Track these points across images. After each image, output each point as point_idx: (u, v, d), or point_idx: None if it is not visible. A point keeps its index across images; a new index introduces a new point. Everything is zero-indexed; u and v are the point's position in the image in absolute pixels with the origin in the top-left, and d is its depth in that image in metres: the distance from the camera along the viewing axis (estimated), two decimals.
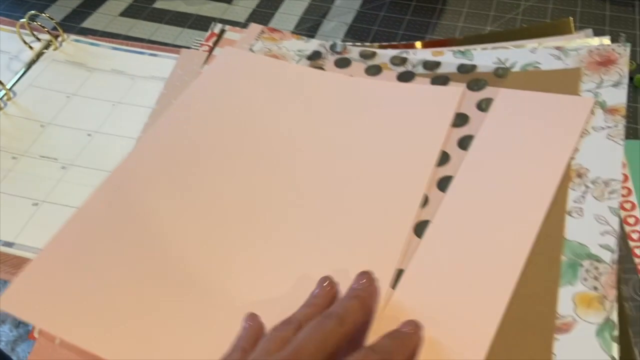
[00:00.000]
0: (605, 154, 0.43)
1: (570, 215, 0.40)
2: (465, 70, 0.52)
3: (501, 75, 0.51)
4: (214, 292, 0.40)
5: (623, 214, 0.41)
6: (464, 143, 0.46)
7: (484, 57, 0.53)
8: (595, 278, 0.37)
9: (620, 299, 0.36)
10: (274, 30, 0.59)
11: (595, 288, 0.36)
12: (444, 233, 0.41)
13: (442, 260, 0.40)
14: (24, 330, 0.41)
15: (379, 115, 0.50)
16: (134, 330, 0.39)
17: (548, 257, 0.38)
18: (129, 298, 0.40)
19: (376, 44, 0.58)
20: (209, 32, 0.61)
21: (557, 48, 0.51)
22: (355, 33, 0.60)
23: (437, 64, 0.53)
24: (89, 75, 0.58)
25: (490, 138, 0.46)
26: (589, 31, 0.53)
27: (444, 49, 0.55)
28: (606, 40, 0.51)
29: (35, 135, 0.53)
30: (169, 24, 0.64)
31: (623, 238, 0.39)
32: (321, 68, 0.55)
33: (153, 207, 0.46)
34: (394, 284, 0.39)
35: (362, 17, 0.62)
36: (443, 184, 0.44)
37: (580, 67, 0.49)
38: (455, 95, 0.50)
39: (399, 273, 0.39)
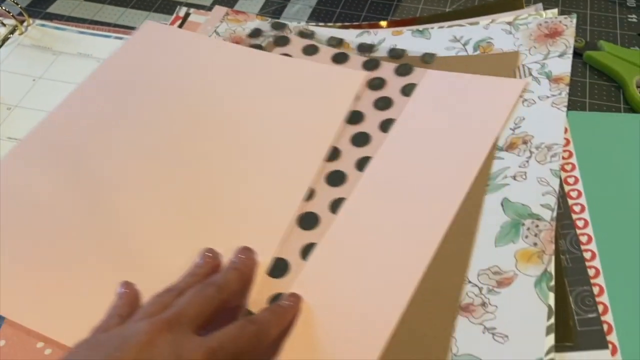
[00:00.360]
0: (549, 121, 0.45)
1: (515, 179, 0.42)
2: (395, 55, 0.54)
3: (427, 61, 0.52)
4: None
5: (563, 174, 0.42)
6: (386, 126, 0.48)
7: (441, 35, 0.55)
8: (536, 235, 0.39)
9: (558, 252, 0.38)
10: (238, 12, 0.61)
11: (535, 244, 0.38)
12: (359, 210, 0.43)
13: (355, 234, 0.41)
14: None
15: (280, 91, 0.52)
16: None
17: (461, 240, 0.40)
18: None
19: (338, 24, 0.60)
20: (174, 15, 0.62)
21: (509, 23, 0.53)
22: (319, 15, 0.62)
23: (371, 47, 0.55)
24: (55, 59, 0.59)
25: (412, 120, 0.48)
26: (539, 5, 0.55)
27: (404, 29, 0.57)
28: (554, 13, 0.53)
29: (2, 118, 0.54)
30: (135, 7, 0.65)
31: (563, 197, 0.41)
32: (259, 46, 0.57)
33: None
34: (306, 255, 0.41)
35: (326, 0, 0.63)
36: (362, 164, 0.46)
37: (517, 52, 0.50)
38: (357, 79, 0.52)
39: (311, 246, 0.41)
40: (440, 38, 0.54)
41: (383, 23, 0.59)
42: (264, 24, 0.59)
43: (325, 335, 0.36)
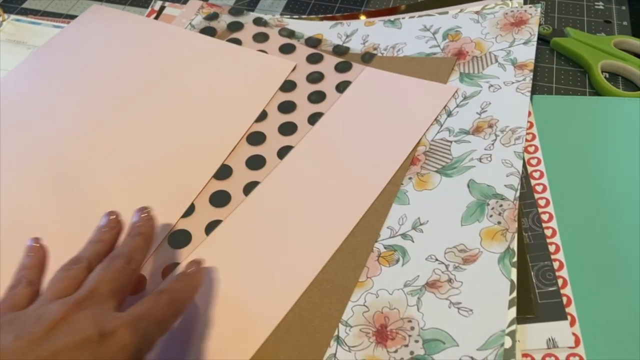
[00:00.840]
0: (513, 105, 0.46)
1: (481, 162, 0.43)
2: (339, 51, 0.55)
3: (367, 60, 0.54)
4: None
5: (527, 156, 0.44)
6: (314, 119, 0.49)
7: (412, 24, 0.56)
8: (500, 214, 0.40)
9: (520, 230, 0.39)
10: (212, 5, 0.61)
11: (499, 222, 0.39)
12: (270, 194, 0.44)
13: (262, 218, 0.43)
14: None
15: (211, 74, 0.54)
16: None
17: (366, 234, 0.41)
18: None
19: (314, 16, 0.61)
20: (149, 9, 0.62)
21: (476, 13, 0.54)
22: (293, 7, 0.62)
23: (318, 42, 0.56)
24: (29, 53, 0.59)
25: (339, 116, 0.49)
26: None
27: (376, 19, 0.58)
28: (519, 2, 0.54)
29: None
30: (110, 2, 0.65)
31: (526, 177, 0.43)
32: (213, 29, 0.58)
33: None
34: (209, 231, 0.42)
35: None
36: (283, 152, 0.47)
37: (454, 58, 0.51)
38: (286, 68, 0.54)
39: (217, 223, 0.43)
40: (410, 28, 0.55)
41: (361, 15, 0.60)
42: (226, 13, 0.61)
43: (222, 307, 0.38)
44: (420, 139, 0.46)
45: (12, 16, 0.63)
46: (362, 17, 0.59)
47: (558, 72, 0.52)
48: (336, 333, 0.36)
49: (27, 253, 0.35)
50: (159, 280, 0.40)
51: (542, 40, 0.54)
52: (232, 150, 0.47)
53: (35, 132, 0.50)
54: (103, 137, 0.49)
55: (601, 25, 0.56)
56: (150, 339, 0.31)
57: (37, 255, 0.34)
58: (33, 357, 0.26)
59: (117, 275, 0.32)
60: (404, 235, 0.40)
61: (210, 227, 0.43)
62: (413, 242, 0.40)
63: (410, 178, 0.44)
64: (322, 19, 0.60)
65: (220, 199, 0.44)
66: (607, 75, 0.51)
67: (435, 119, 0.47)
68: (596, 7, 0.58)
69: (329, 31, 0.57)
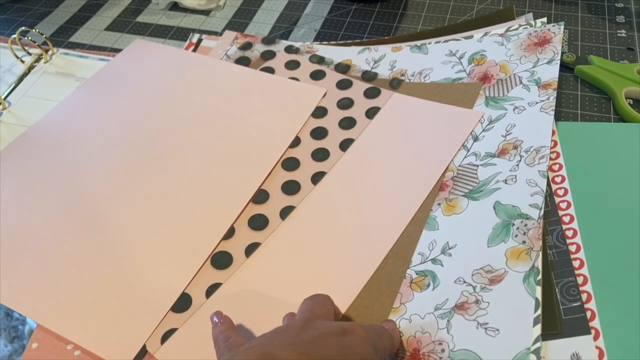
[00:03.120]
0: (537, 125, 0.47)
1: (506, 183, 0.44)
2: (367, 77, 0.57)
3: (395, 86, 0.56)
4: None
5: (551, 174, 0.45)
6: (345, 145, 0.51)
7: (438, 50, 0.58)
8: (524, 233, 0.41)
9: (545, 248, 0.41)
10: (246, 35, 0.64)
11: (524, 242, 0.41)
12: (307, 219, 0.47)
13: (300, 241, 0.45)
14: (18, 345, 0.43)
15: (245, 102, 0.57)
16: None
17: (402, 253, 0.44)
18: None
19: (342, 42, 0.63)
20: (188, 41, 0.66)
21: (501, 35, 0.56)
22: (323, 38, 0.65)
23: (347, 67, 0.59)
24: (78, 85, 0.63)
25: (369, 142, 0.51)
26: (529, 15, 0.58)
27: (403, 45, 0.60)
28: (543, 22, 0.55)
29: None
30: (151, 35, 0.69)
31: (550, 195, 0.44)
32: (247, 59, 0.62)
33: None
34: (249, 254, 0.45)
35: (330, 24, 0.67)
36: (316, 177, 0.49)
37: (480, 83, 0.53)
38: (317, 95, 0.56)
39: (255, 246, 0.46)
40: (437, 53, 0.57)
41: (386, 39, 0.63)
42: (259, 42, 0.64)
43: None
44: (448, 165, 0.48)
45: (61, 50, 0.67)
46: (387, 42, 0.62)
47: (583, 98, 0.53)
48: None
49: (218, 321, 0.39)
50: (203, 299, 0.43)
51: (567, 67, 0.56)
52: (268, 176, 0.50)
53: (83, 157, 0.54)
54: (146, 163, 0.53)
55: (624, 53, 0.57)
56: (382, 348, 0.35)
57: (227, 321, 0.39)
58: (298, 340, 0.33)
59: (325, 303, 0.39)
60: (434, 260, 0.42)
61: (250, 249, 0.45)
62: (442, 266, 0.42)
63: (439, 204, 0.45)
64: (350, 45, 0.62)
65: (258, 223, 0.47)
66: (632, 102, 0.52)
67: (463, 145, 0.49)
68: (619, 35, 0.59)
69: (357, 57, 0.59)
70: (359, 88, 0.56)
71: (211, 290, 0.43)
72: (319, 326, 0.35)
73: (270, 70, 0.60)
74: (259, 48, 0.62)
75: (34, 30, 0.64)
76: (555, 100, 0.48)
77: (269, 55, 0.62)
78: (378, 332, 0.36)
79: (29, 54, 0.66)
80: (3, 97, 0.61)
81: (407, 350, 0.38)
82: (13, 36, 0.64)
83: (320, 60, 0.60)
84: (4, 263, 0.46)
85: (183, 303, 0.43)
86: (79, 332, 0.42)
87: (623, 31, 0.60)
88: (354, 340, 0.34)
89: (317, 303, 0.38)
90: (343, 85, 0.57)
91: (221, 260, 0.45)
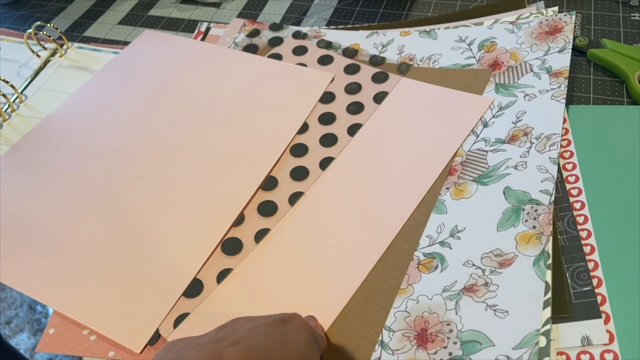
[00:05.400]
0: (548, 113, 0.47)
1: (516, 169, 0.44)
2: (375, 62, 0.57)
3: (403, 71, 0.55)
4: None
5: (562, 161, 0.45)
6: (353, 130, 0.51)
7: (447, 35, 0.58)
8: (535, 218, 0.41)
9: (555, 233, 0.41)
10: (254, 22, 0.65)
11: (534, 227, 0.41)
12: (315, 205, 0.47)
13: (308, 228, 0.46)
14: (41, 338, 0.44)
15: (253, 89, 0.57)
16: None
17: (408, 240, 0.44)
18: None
19: (350, 26, 0.64)
20: (197, 30, 0.67)
21: (511, 23, 0.56)
22: (339, 14, 0.66)
23: (355, 52, 0.59)
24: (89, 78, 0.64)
25: (377, 127, 0.51)
26: (541, 4, 0.58)
27: (412, 29, 0.60)
28: (554, 11, 0.55)
29: None
30: (163, 28, 0.70)
31: (561, 182, 0.44)
32: (255, 46, 0.62)
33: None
34: (259, 239, 0.46)
35: (339, 13, 0.67)
36: (325, 163, 0.49)
37: (489, 70, 0.53)
38: (325, 80, 0.56)
39: (265, 231, 0.46)
40: (446, 38, 0.57)
41: (394, 24, 0.63)
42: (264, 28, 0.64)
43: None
44: (457, 150, 0.47)
45: (75, 44, 0.68)
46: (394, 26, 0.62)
47: (595, 82, 0.53)
48: (380, 338, 0.39)
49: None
50: (214, 285, 0.43)
51: (579, 51, 0.55)
52: (277, 162, 0.50)
53: (99, 147, 0.55)
54: (157, 151, 0.53)
55: (638, 36, 0.57)
56: (320, 337, 0.37)
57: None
58: (239, 335, 0.33)
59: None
60: (442, 243, 0.42)
61: (260, 235, 0.46)
62: (451, 249, 0.42)
63: (447, 188, 0.45)
64: (358, 29, 0.62)
65: (267, 209, 0.47)
66: None
67: (472, 130, 0.49)
68: (632, 18, 0.59)
69: (365, 41, 0.59)
70: (366, 73, 0.56)
71: (222, 275, 0.44)
72: (257, 318, 0.35)
73: (278, 56, 0.60)
74: (266, 35, 0.63)
75: (49, 25, 0.65)
76: (566, 88, 0.48)
77: (276, 41, 0.62)
78: (313, 323, 0.38)
79: (45, 48, 0.67)
80: (20, 90, 0.63)
81: (415, 329, 0.38)
82: (29, 31, 0.65)
83: (328, 45, 0.60)
84: (19, 252, 0.47)
85: (195, 288, 0.43)
86: (94, 317, 0.42)
87: (637, 14, 0.59)
88: (294, 327, 0.35)
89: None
90: (351, 70, 0.57)
91: (231, 246, 0.45)
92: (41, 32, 0.66)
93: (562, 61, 0.50)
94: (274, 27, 0.64)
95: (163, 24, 0.70)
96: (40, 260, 0.46)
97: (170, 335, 0.41)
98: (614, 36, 0.57)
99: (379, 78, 0.55)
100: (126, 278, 0.44)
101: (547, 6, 0.58)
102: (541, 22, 0.54)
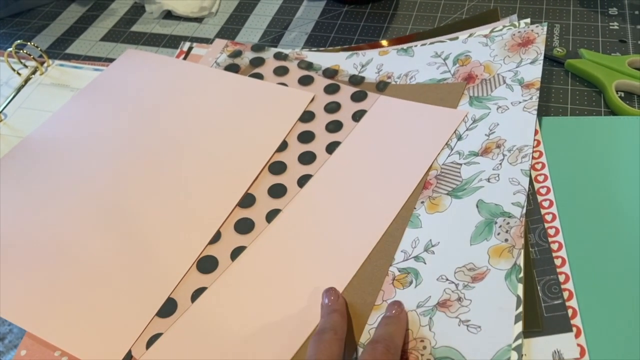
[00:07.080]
0: (520, 124, 0.47)
1: (489, 182, 0.45)
2: (355, 81, 0.58)
3: (381, 89, 0.56)
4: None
5: (534, 173, 0.45)
6: (331, 148, 0.52)
7: (424, 52, 0.58)
8: (507, 231, 0.41)
9: (527, 246, 0.41)
10: (236, 43, 0.65)
11: (506, 240, 0.41)
12: (292, 222, 0.47)
13: (285, 244, 0.46)
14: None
15: (234, 108, 0.57)
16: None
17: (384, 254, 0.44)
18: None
19: (331, 48, 0.64)
20: (179, 50, 0.67)
21: (485, 36, 0.56)
22: (314, 41, 0.66)
23: (335, 72, 0.59)
24: (72, 95, 0.64)
25: (355, 144, 0.52)
26: (514, 17, 0.58)
27: (390, 48, 0.61)
28: (526, 22, 0.56)
29: None
30: (145, 44, 0.70)
31: (533, 194, 0.44)
32: (237, 66, 0.62)
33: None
34: (235, 257, 0.46)
35: (321, 26, 0.67)
36: (303, 180, 0.50)
37: (464, 83, 0.53)
38: (305, 99, 0.56)
39: (241, 249, 0.46)
40: (422, 55, 0.58)
41: (375, 44, 0.63)
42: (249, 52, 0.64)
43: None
44: (432, 164, 0.48)
45: (57, 61, 0.68)
46: (382, 43, 0.62)
47: (573, 93, 0.53)
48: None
49: (331, 296, 0.40)
50: (189, 304, 0.43)
51: (557, 62, 0.56)
52: (255, 180, 0.50)
53: (78, 166, 0.55)
54: (136, 169, 0.53)
55: (616, 45, 0.57)
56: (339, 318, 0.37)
57: (340, 301, 0.40)
58: None
59: (330, 346, 0.36)
60: (417, 258, 0.42)
61: (236, 253, 0.46)
62: (425, 263, 0.42)
63: (422, 202, 0.46)
64: (338, 51, 0.63)
65: (244, 226, 0.47)
66: (622, 95, 0.52)
67: (446, 143, 0.49)
68: (611, 27, 0.59)
69: (345, 62, 0.60)
70: (346, 92, 0.56)
71: (196, 294, 0.43)
72: None
73: (260, 76, 0.60)
74: (248, 55, 0.63)
75: (30, 43, 0.65)
76: (538, 99, 0.48)
77: (258, 62, 0.62)
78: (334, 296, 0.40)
79: (26, 66, 0.67)
80: None
81: None
82: (9, 49, 0.65)
83: (309, 66, 0.60)
84: None
85: (168, 308, 0.43)
86: (65, 338, 0.42)
87: (615, 23, 0.60)
88: None
89: (328, 344, 0.37)
90: (331, 89, 0.57)
91: (207, 264, 0.45)
92: (22, 51, 0.66)
93: (534, 72, 0.51)
94: (256, 48, 0.64)
95: (145, 39, 0.70)
96: (11, 279, 0.46)
97: (143, 356, 0.41)
98: (592, 46, 0.57)
99: (358, 97, 0.56)
100: (99, 298, 0.44)
101: (525, 17, 0.59)
102: (514, 34, 0.55)
